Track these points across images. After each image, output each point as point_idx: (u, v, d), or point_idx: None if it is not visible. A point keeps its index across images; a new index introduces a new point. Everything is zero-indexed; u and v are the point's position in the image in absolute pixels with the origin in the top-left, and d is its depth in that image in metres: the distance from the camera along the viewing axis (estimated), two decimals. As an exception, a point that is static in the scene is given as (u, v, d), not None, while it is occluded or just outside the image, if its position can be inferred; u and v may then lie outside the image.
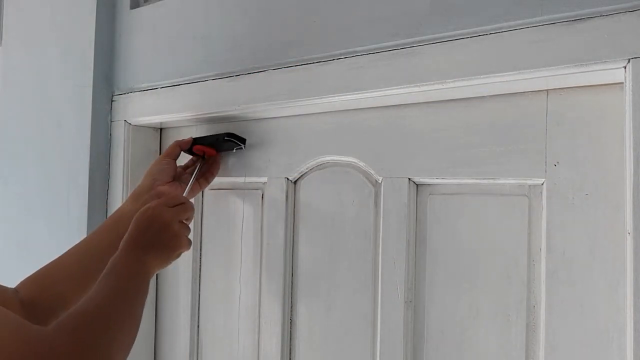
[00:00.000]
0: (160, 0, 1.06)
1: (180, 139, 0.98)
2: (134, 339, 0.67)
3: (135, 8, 1.10)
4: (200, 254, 1.07)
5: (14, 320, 0.56)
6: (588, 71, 0.60)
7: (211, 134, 0.98)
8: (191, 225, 1.06)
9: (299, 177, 0.93)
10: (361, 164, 0.84)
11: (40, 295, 0.79)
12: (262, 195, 0.97)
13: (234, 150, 0.96)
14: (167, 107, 1.02)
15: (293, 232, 0.93)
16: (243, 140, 0.95)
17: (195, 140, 0.96)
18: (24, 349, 0.53)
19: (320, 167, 0.90)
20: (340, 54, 0.79)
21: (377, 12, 0.76)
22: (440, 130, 0.76)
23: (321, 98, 0.81)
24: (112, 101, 1.12)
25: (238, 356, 0.99)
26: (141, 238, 0.77)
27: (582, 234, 0.64)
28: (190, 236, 0.85)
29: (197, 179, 0.95)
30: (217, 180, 1.04)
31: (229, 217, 1.02)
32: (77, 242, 0.87)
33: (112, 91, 1.12)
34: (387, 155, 0.81)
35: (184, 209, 0.83)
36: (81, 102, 1.12)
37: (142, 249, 0.76)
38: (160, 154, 1.12)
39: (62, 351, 0.55)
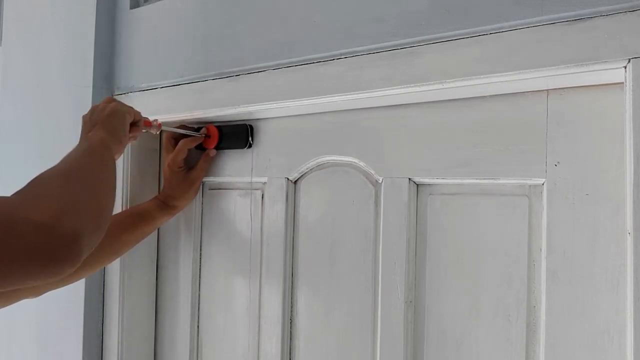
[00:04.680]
0: (160, 0, 1.06)
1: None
2: (102, 205, 0.68)
3: (135, 8, 1.10)
4: (200, 254, 1.07)
5: None
6: (588, 71, 0.60)
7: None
8: (191, 224, 1.07)
9: (299, 177, 0.93)
10: (361, 164, 0.84)
11: None
12: (262, 195, 0.97)
13: (236, 134, 0.98)
14: (167, 107, 1.01)
15: (293, 232, 0.93)
16: (251, 141, 0.97)
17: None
18: None
19: (320, 167, 0.90)
20: (340, 54, 0.79)
21: (377, 12, 0.76)
22: (440, 130, 0.76)
23: (321, 98, 0.81)
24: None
25: (238, 356, 0.99)
26: (90, 119, 0.83)
27: (582, 234, 0.64)
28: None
29: (185, 173, 1.00)
30: (217, 180, 1.04)
31: (229, 217, 1.02)
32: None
33: (112, 91, 1.12)
34: (387, 155, 0.81)
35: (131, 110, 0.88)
36: (81, 102, 1.12)
37: (93, 126, 0.81)
38: (160, 153, 1.12)
39: (23, 214, 0.56)
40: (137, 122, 0.88)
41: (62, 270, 0.57)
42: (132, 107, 0.88)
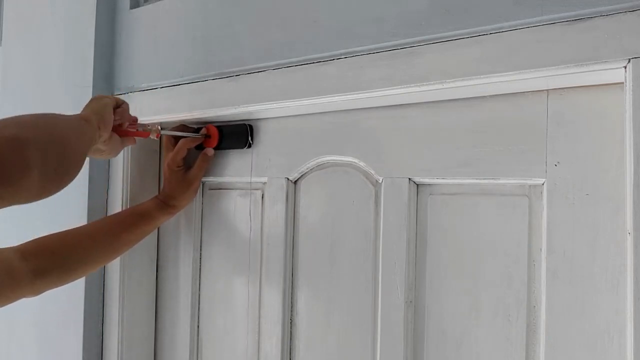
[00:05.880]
0: (160, 0, 1.06)
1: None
2: (60, 147, 0.68)
3: (135, 8, 1.10)
4: (200, 254, 1.07)
5: None
6: (588, 71, 0.60)
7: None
8: (191, 224, 1.07)
9: (299, 177, 0.93)
10: (361, 164, 0.84)
11: (50, 264, 0.85)
12: (262, 195, 0.97)
13: (236, 134, 0.98)
14: (167, 107, 1.02)
15: (293, 232, 0.93)
16: (250, 141, 0.97)
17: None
18: None
19: (320, 167, 0.90)
20: (340, 54, 0.79)
21: (377, 12, 0.76)
22: (440, 130, 0.76)
23: (321, 98, 0.81)
24: (112, 101, 1.12)
25: (238, 356, 0.99)
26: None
27: (582, 234, 0.64)
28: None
29: (184, 173, 1.00)
30: (217, 180, 1.04)
31: (229, 217, 1.02)
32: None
33: (112, 91, 1.12)
34: (387, 155, 0.81)
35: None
36: (81, 102, 1.11)
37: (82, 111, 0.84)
38: (160, 154, 1.13)
39: None
40: (121, 105, 0.89)
41: (12, 176, 0.55)
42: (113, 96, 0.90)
